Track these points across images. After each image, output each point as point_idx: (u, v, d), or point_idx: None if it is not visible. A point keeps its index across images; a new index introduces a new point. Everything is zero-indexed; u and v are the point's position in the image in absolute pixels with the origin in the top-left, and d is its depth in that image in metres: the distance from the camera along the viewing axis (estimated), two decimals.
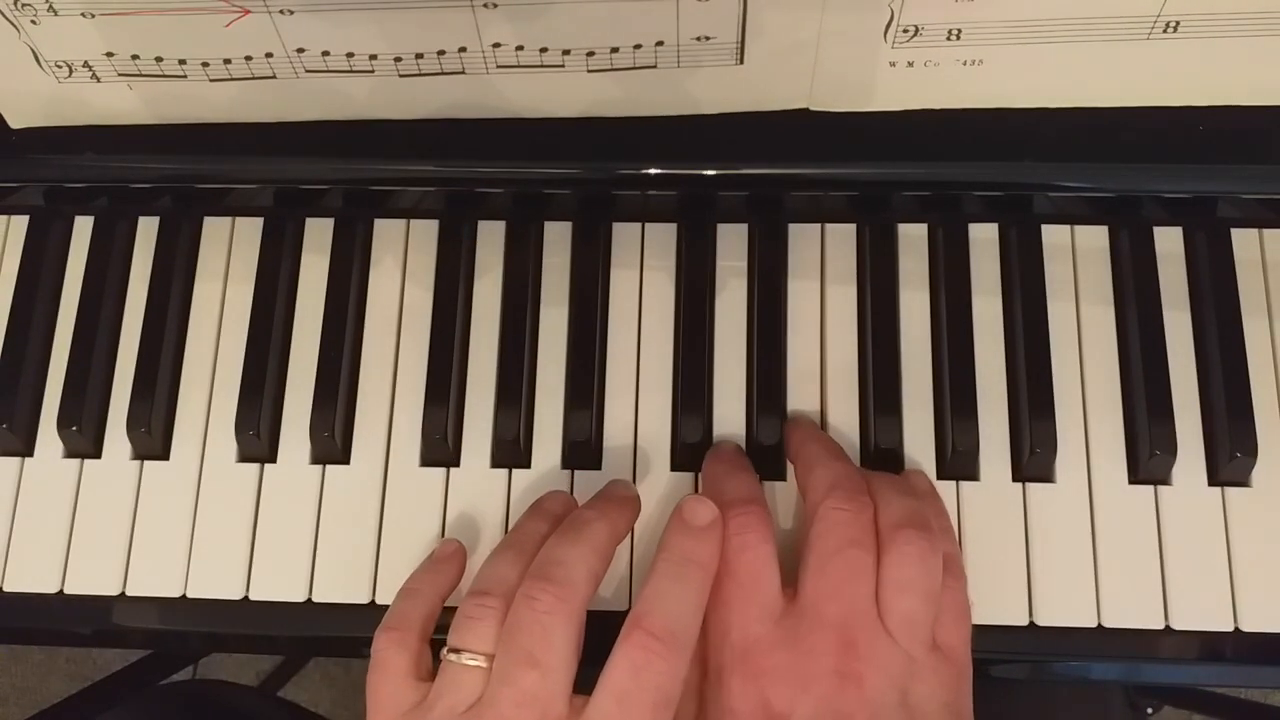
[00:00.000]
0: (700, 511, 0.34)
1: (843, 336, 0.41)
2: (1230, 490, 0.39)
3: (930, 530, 0.34)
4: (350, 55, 0.35)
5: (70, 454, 0.41)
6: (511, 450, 0.40)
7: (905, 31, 0.34)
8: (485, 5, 0.33)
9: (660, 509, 0.39)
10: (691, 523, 0.34)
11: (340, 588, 0.39)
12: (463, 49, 0.35)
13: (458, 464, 0.40)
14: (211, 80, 0.37)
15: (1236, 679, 0.47)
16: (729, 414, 0.40)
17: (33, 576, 0.40)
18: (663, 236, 0.42)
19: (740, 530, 0.35)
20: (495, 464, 0.40)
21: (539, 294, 0.42)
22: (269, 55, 0.35)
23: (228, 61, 0.36)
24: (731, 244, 0.42)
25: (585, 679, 0.32)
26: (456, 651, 0.32)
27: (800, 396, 0.40)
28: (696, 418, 0.40)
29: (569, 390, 0.41)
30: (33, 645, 1.00)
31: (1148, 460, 0.38)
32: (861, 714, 0.32)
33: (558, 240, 0.43)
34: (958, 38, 0.34)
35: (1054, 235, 0.41)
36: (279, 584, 0.39)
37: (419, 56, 0.35)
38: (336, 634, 0.40)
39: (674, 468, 0.40)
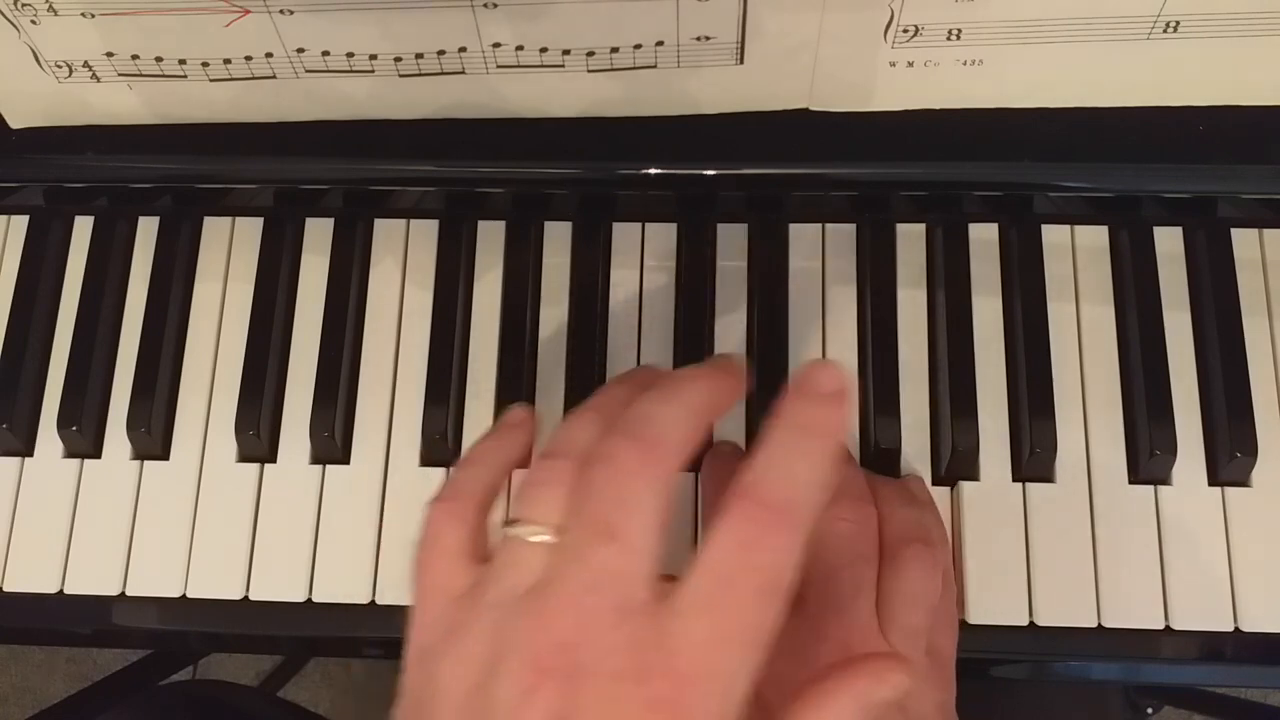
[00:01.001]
0: (824, 377, 0.27)
1: (842, 336, 0.41)
2: (1230, 490, 0.39)
3: (934, 544, 0.34)
4: (350, 55, 0.35)
5: (70, 454, 0.41)
6: None
7: (905, 31, 0.34)
8: (485, 5, 0.33)
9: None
10: (814, 388, 0.27)
11: (340, 588, 0.39)
12: (463, 49, 0.35)
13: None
14: (211, 80, 0.36)
15: (1236, 679, 0.47)
16: (729, 414, 0.40)
17: (33, 576, 0.40)
18: (663, 236, 0.42)
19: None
20: None
21: (539, 294, 0.42)
22: (269, 55, 0.35)
23: (228, 61, 0.36)
24: (731, 244, 0.42)
25: None
26: (517, 523, 0.27)
27: None
28: None
29: (569, 390, 0.41)
30: (33, 645, 1.00)
31: (1148, 460, 0.38)
32: None
33: (558, 240, 0.43)
34: (958, 38, 0.34)
35: (1054, 235, 0.41)
36: (279, 584, 0.39)
37: (419, 56, 0.35)
38: (336, 634, 0.40)
39: None
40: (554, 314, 0.42)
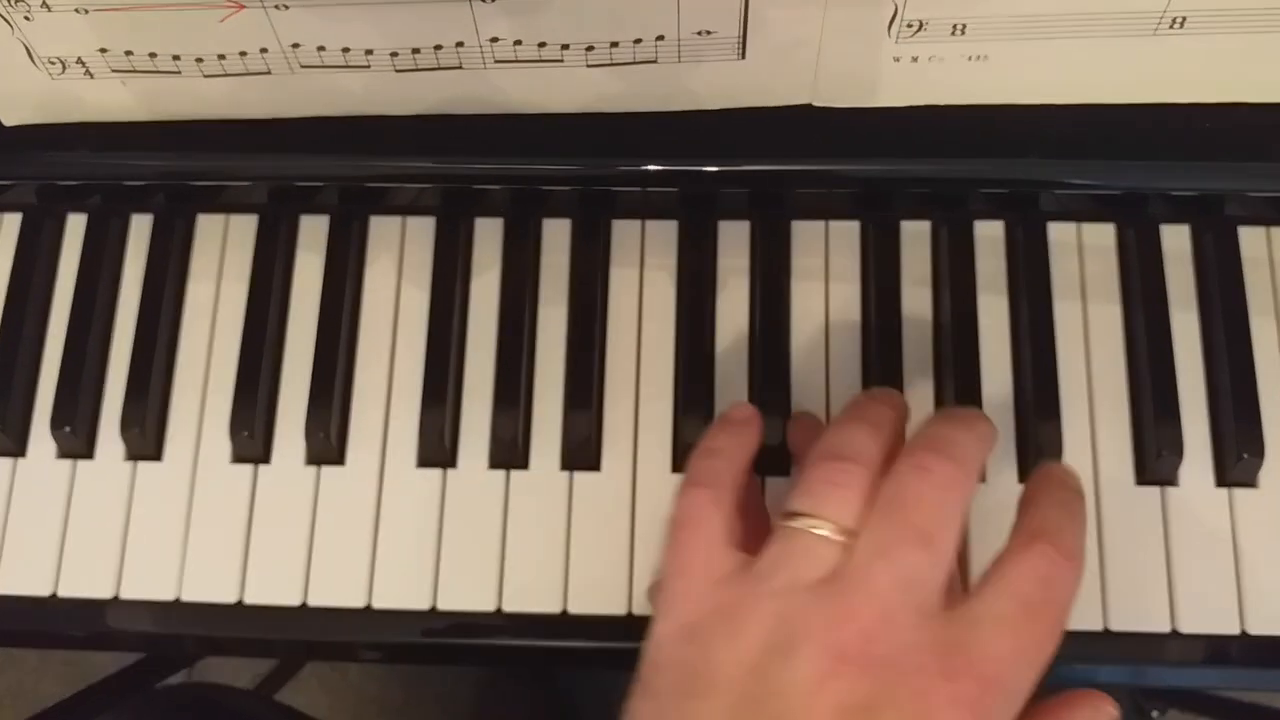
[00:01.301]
0: (1075, 477, 0.31)
1: (846, 335, 0.40)
2: (1238, 491, 0.38)
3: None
4: (346, 50, 0.35)
5: (63, 455, 0.41)
6: (509, 451, 0.40)
7: (909, 26, 0.34)
8: None
9: (660, 509, 0.39)
10: (1066, 482, 0.31)
11: (336, 591, 0.39)
12: (460, 44, 0.35)
13: (455, 465, 0.40)
14: (206, 76, 0.36)
15: (1243, 682, 0.47)
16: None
17: (26, 579, 0.40)
18: (663, 234, 0.42)
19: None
20: (493, 465, 0.40)
21: (537, 293, 0.42)
22: (264, 51, 0.35)
23: (222, 57, 0.35)
24: (733, 241, 0.42)
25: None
26: (803, 516, 0.28)
27: (803, 395, 0.40)
28: (698, 417, 0.39)
29: (568, 390, 0.40)
30: (27, 648, 1.00)
31: (1155, 461, 0.38)
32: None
33: (557, 238, 0.42)
34: (962, 33, 0.34)
35: (1060, 233, 0.41)
36: (274, 587, 0.39)
37: (415, 51, 0.35)
38: (332, 638, 0.39)
39: (675, 468, 0.40)
40: (553, 313, 0.41)
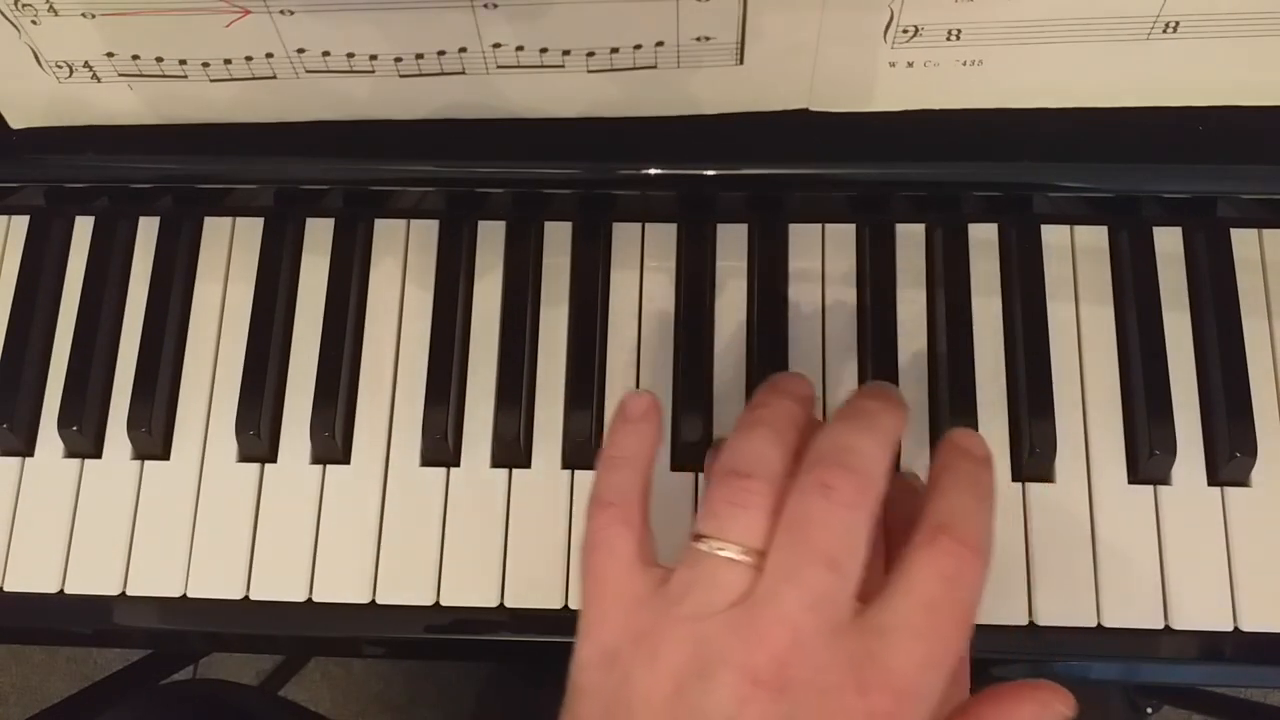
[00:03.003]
0: (981, 443, 0.31)
1: (842, 336, 0.41)
2: (1230, 490, 0.39)
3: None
4: (350, 55, 0.35)
5: (71, 454, 0.41)
6: (511, 450, 0.40)
7: (905, 32, 0.34)
8: (485, 5, 0.33)
9: (661, 509, 0.39)
10: (975, 452, 0.30)
11: (340, 587, 0.39)
12: (463, 49, 0.35)
13: (458, 464, 0.40)
14: (212, 80, 0.37)
15: (1236, 679, 0.47)
16: (729, 413, 0.40)
17: (33, 576, 0.40)
18: (663, 236, 0.42)
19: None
20: (495, 464, 0.40)
21: (539, 294, 0.42)
22: (269, 55, 0.35)
23: (228, 62, 0.36)
24: (731, 244, 0.42)
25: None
26: (711, 539, 0.28)
27: None
28: (696, 417, 0.40)
29: (569, 390, 0.41)
30: (33, 645, 1.00)
31: (1147, 460, 0.38)
32: None
33: (558, 240, 0.43)
34: (957, 38, 0.34)
35: (1053, 235, 0.41)
36: (279, 584, 0.39)
37: (419, 57, 0.35)
38: (337, 634, 0.40)
39: (674, 467, 0.40)
40: (554, 314, 0.42)
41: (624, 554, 0.29)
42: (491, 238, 0.43)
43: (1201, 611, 0.38)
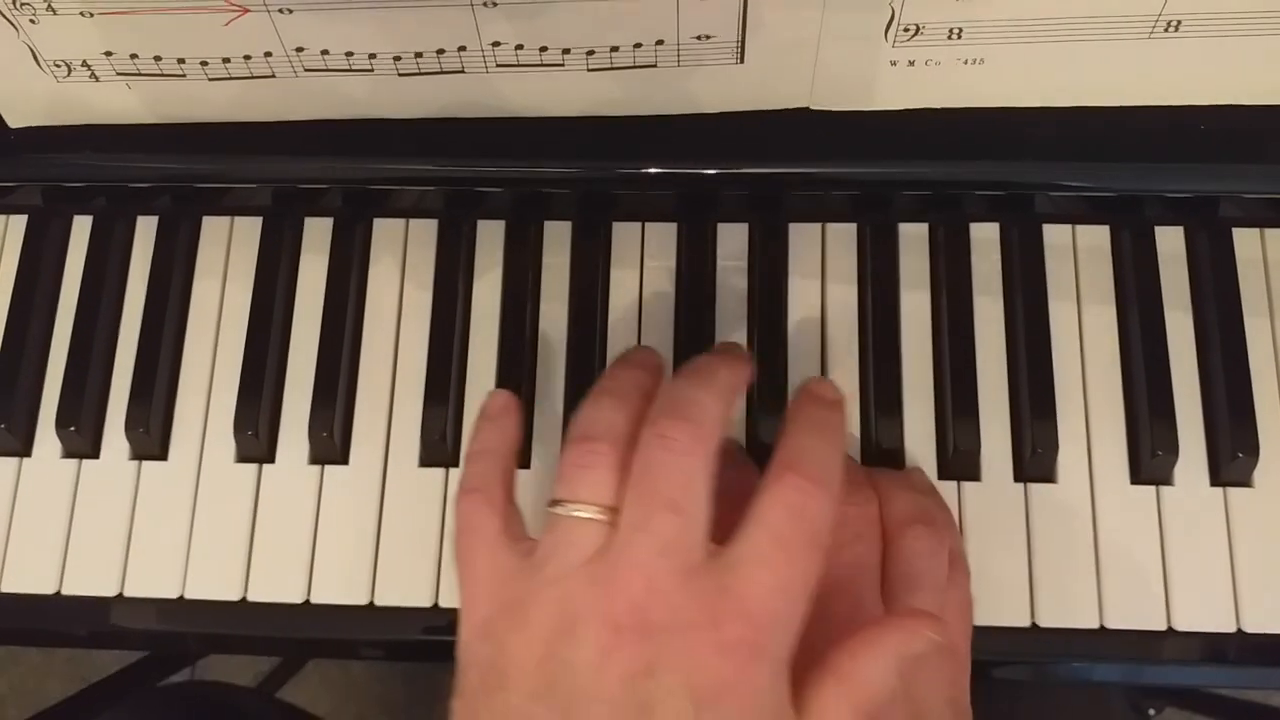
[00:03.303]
0: (829, 387, 0.33)
1: (844, 336, 0.41)
2: (1232, 490, 0.39)
3: (936, 525, 0.34)
4: (349, 54, 0.35)
5: (68, 454, 0.41)
6: None
7: (906, 30, 0.34)
8: (485, 4, 0.33)
9: None
10: (823, 395, 0.33)
11: (339, 589, 0.39)
12: (462, 48, 0.35)
13: (457, 464, 0.40)
14: (210, 79, 0.36)
15: (1239, 680, 0.47)
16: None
17: (30, 577, 0.40)
18: (663, 236, 0.42)
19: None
20: None
21: (539, 294, 0.42)
22: (268, 54, 0.35)
23: (226, 61, 0.36)
24: (732, 243, 0.42)
25: None
26: (565, 503, 0.29)
27: None
28: None
29: (568, 390, 0.41)
30: (30, 646, 1.00)
31: (1150, 460, 0.38)
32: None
33: (557, 240, 0.42)
34: (959, 36, 0.34)
35: (1055, 235, 0.41)
36: (277, 585, 0.39)
37: (418, 55, 0.35)
38: (335, 635, 0.39)
39: None
40: (554, 314, 0.42)
41: (489, 533, 0.31)
42: (491, 237, 0.43)
43: (1204, 613, 0.37)
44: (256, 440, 0.40)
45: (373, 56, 0.35)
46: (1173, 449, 0.38)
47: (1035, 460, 0.39)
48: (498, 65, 0.36)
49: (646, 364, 0.34)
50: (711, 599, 0.27)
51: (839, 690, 0.28)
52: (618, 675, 0.27)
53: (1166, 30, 0.34)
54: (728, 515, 0.35)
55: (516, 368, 0.41)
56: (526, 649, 0.28)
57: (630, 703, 0.26)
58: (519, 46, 0.35)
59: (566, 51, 0.35)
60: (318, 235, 0.43)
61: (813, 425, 0.31)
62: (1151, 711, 0.80)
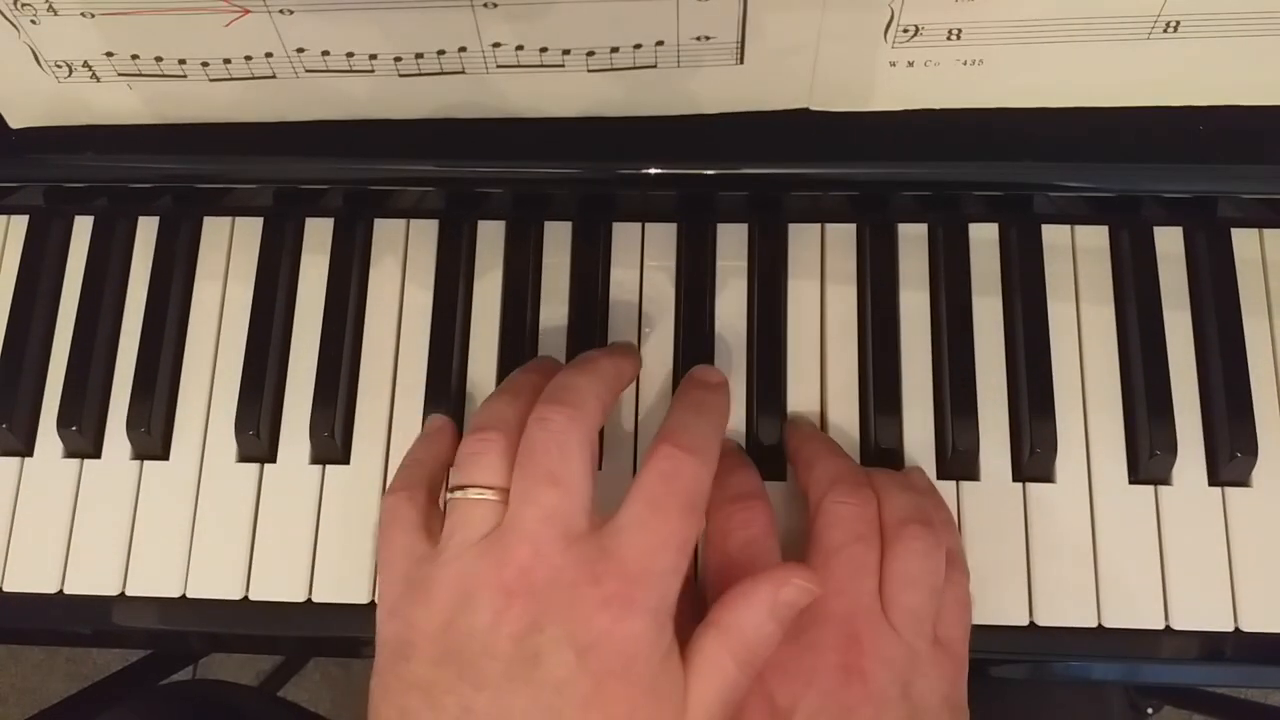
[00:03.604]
0: (711, 372, 0.37)
1: (843, 336, 0.41)
2: (1231, 490, 0.39)
3: (934, 525, 0.35)
4: (350, 55, 0.35)
5: (70, 454, 0.41)
6: None
7: (905, 31, 0.34)
8: (485, 5, 0.33)
9: None
10: (705, 380, 0.36)
11: (340, 588, 0.39)
12: (463, 49, 0.35)
13: None
14: (211, 80, 0.36)
15: (1237, 679, 0.47)
16: (730, 413, 0.40)
17: (32, 576, 0.40)
18: (663, 236, 0.42)
19: (744, 525, 0.35)
20: None
21: (539, 294, 0.42)
22: (269, 55, 0.35)
23: (227, 61, 0.36)
24: (731, 244, 0.42)
25: None
26: (462, 488, 0.32)
27: (800, 396, 0.40)
28: None
29: None
30: (32, 645, 1.00)
31: (1148, 460, 0.38)
32: (865, 708, 0.32)
33: (558, 240, 0.42)
34: (958, 37, 0.34)
35: (1054, 235, 0.41)
36: (279, 584, 0.39)
37: (419, 56, 0.35)
38: (336, 634, 0.40)
39: None
40: (554, 314, 0.42)
41: (406, 524, 0.33)
42: (491, 237, 0.43)
43: (1202, 612, 0.38)
44: (258, 440, 0.40)
45: (373, 57, 0.35)
46: (1171, 449, 0.38)
47: (1034, 460, 0.39)
48: (498, 66, 0.36)
49: (543, 369, 0.36)
50: (592, 560, 0.30)
51: (719, 639, 0.31)
52: (509, 633, 0.29)
53: (1165, 31, 0.34)
54: (727, 515, 0.35)
55: (517, 367, 0.41)
56: (429, 621, 0.30)
57: (520, 657, 0.29)
58: (519, 47, 0.35)
59: (567, 52, 0.35)
60: (319, 235, 0.43)
61: (690, 403, 0.35)
62: (1149, 710, 0.80)
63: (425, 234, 0.43)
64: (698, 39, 0.34)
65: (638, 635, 0.29)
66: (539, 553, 0.30)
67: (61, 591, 0.40)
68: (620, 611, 0.29)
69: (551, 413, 0.32)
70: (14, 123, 0.39)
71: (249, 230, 0.43)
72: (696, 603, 0.34)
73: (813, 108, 0.37)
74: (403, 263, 0.43)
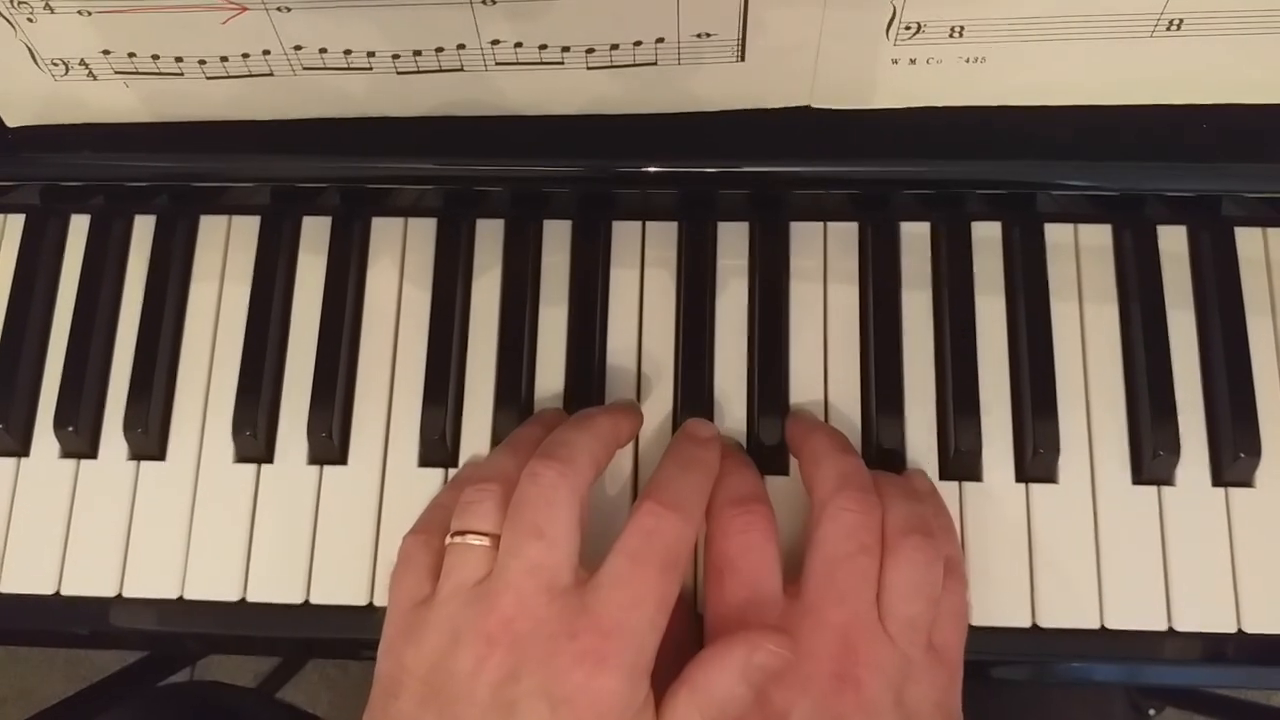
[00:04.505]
0: (703, 427, 0.38)
1: (845, 336, 0.41)
2: (1234, 491, 0.38)
3: (934, 536, 0.35)
4: (348, 52, 0.35)
5: (66, 454, 0.41)
6: None
7: (907, 29, 0.34)
8: (484, 2, 0.33)
9: None
10: (696, 434, 0.37)
11: (338, 589, 0.39)
12: (461, 46, 0.35)
13: (456, 464, 0.40)
14: (208, 78, 0.36)
15: (1239, 680, 0.47)
16: (730, 413, 0.40)
17: (29, 578, 0.40)
18: (663, 235, 0.42)
19: (744, 529, 0.35)
20: None
21: (538, 293, 0.42)
22: (266, 53, 0.35)
23: (225, 59, 0.36)
24: (732, 242, 0.42)
25: None
26: (460, 534, 0.33)
27: (802, 396, 0.40)
28: (698, 416, 0.39)
29: (568, 390, 0.40)
30: (30, 647, 1.00)
31: (1151, 461, 0.38)
32: (858, 717, 0.32)
33: (557, 239, 0.42)
34: (960, 35, 0.34)
35: (1057, 234, 0.41)
36: (276, 585, 0.39)
37: (417, 54, 0.35)
38: (334, 635, 0.39)
39: None
40: (553, 313, 0.41)
41: (417, 565, 0.35)
42: (490, 236, 0.42)
43: (1205, 613, 0.37)
44: (255, 440, 0.40)
45: (371, 55, 0.35)
46: (1174, 449, 0.38)
47: (1037, 460, 0.38)
48: (497, 63, 0.35)
49: (545, 423, 0.38)
50: (572, 614, 0.31)
51: (690, 698, 0.31)
52: (488, 681, 0.30)
53: (1169, 29, 0.34)
54: (728, 518, 0.35)
55: (515, 367, 0.40)
56: (417, 662, 0.32)
57: (496, 705, 0.30)
58: (518, 44, 0.35)
59: (566, 49, 0.35)
60: (316, 234, 0.43)
61: (678, 459, 0.36)
62: (1152, 711, 0.80)
63: (423, 233, 0.43)
64: (698, 36, 0.34)
65: (611, 691, 0.30)
66: (523, 604, 0.31)
67: (58, 593, 0.40)
68: (594, 668, 0.30)
69: (543, 468, 0.33)
70: (10, 121, 0.39)
71: (246, 229, 0.43)
72: (681, 654, 0.34)
73: (814, 105, 0.37)
74: (401, 262, 0.42)
